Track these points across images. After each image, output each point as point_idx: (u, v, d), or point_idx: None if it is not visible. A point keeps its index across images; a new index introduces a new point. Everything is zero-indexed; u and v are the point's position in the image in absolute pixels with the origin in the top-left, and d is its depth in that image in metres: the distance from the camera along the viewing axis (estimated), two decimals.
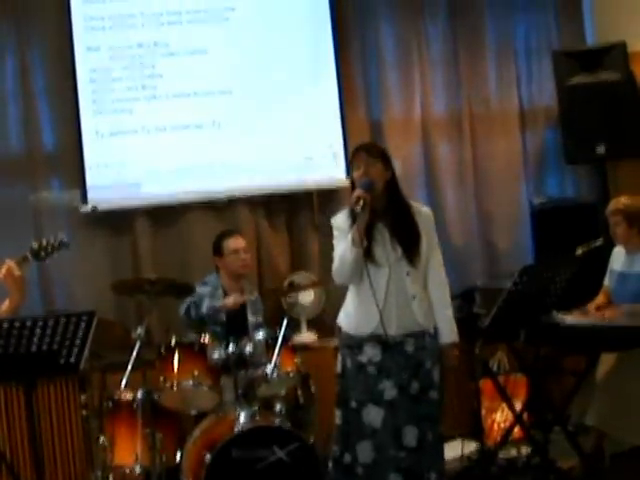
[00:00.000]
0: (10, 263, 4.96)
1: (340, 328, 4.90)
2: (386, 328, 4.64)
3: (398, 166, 7.02)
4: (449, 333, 4.84)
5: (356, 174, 4.74)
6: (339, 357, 4.86)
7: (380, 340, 4.70)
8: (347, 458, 4.75)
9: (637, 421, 5.55)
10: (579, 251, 5.77)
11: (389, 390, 4.70)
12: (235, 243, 6.23)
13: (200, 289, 6.09)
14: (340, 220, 4.83)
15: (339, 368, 4.85)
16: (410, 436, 4.70)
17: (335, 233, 4.83)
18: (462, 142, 7.48)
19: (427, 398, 4.76)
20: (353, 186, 4.77)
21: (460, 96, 7.49)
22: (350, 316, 4.84)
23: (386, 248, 4.71)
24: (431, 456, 4.75)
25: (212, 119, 6.96)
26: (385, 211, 4.75)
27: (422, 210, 4.89)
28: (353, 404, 4.74)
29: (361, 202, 4.55)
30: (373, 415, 4.69)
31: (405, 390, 4.72)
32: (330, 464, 4.86)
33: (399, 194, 4.83)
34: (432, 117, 7.45)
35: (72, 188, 6.81)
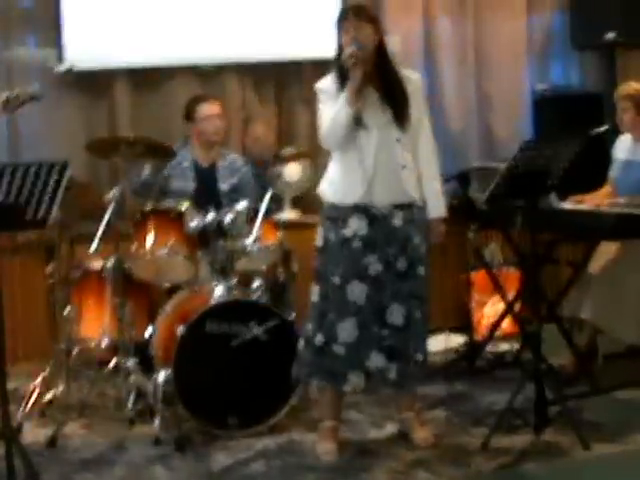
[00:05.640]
0: None
1: (322, 199, 4.69)
2: (373, 197, 4.49)
3: (397, 42, 6.81)
4: (437, 207, 4.67)
5: (344, 38, 4.54)
6: (320, 230, 4.65)
7: (367, 212, 4.52)
8: (319, 338, 4.57)
9: (631, 316, 5.48)
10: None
11: (374, 265, 4.53)
12: (210, 109, 5.89)
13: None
14: (326, 83, 4.64)
15: (320, 242, 4.64)
16: (397, 314, 4.53)
17: (321, 97, 4.64)
18: (465, 20, 7.14)
19: (415, 274, 4.58)
20: (340, 51, 4.56)
21: None
22: (334, 184, 4.63)
23: (376, 111, 4.54)
24: (418, 336, 4.60)
25: None
26: (374, 75, 4.57)
27: (412, 77, 4.72)
28: (336, 280, 4.53)
29: (354, 58, 4.40)
30: (357, 292, 4.52)
31: (391, 265, 4.55)
32: (301, 343, 4.70)
33: (388, 59, 4.65)
34: None
35: (48, 46, 6.47)
